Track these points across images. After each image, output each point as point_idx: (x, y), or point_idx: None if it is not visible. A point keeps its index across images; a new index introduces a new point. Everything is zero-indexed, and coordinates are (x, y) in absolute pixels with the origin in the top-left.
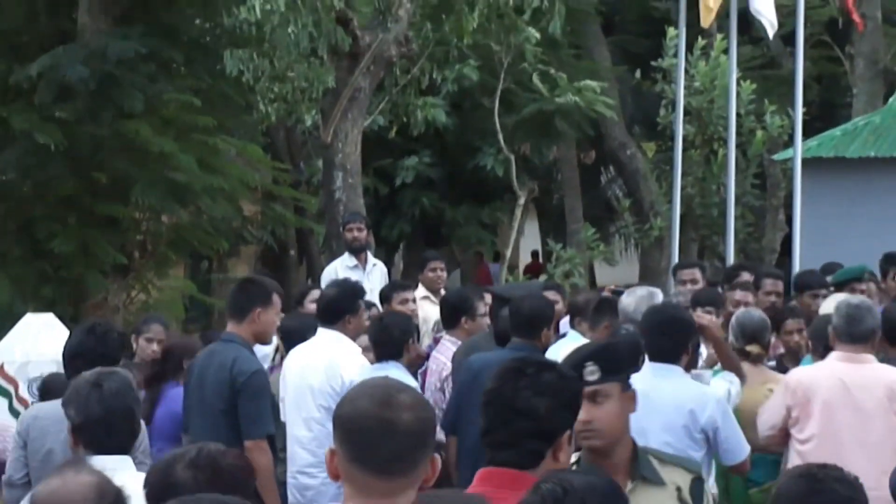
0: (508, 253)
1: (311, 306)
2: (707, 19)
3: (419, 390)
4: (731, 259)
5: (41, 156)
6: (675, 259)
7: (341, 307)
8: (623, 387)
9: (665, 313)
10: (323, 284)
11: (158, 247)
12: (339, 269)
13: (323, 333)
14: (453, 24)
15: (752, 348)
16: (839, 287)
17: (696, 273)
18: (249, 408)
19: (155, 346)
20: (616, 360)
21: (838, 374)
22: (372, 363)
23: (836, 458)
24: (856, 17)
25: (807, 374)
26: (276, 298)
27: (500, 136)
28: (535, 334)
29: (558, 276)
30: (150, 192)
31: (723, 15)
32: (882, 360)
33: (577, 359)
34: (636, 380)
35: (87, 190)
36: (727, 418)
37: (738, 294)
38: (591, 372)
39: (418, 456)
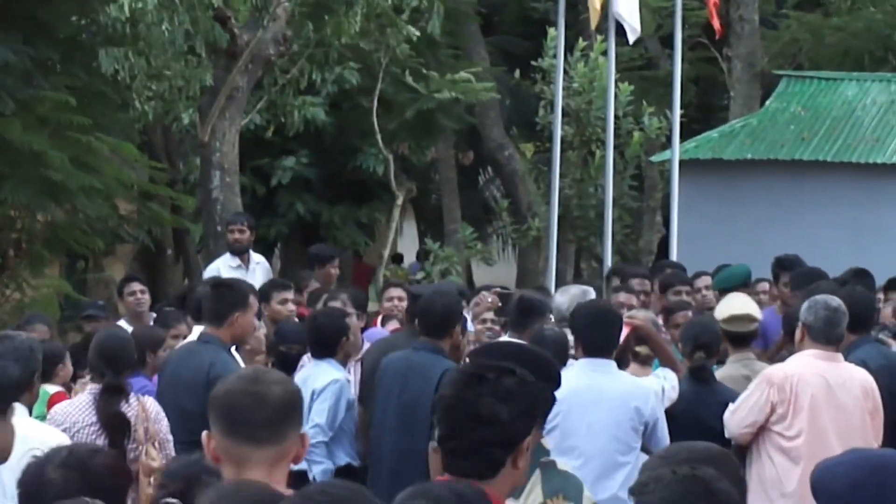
0: (386, 253)
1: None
2: (595, 20)
3: (352, 384)
4: (608, 261)
5: None
6: (553, 260)
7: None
8: None
9: (597, 309)
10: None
11: (33, 245)
12: (222, 268)
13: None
14: (334, 24)
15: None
16: (723, 293)
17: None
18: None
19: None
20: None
21: (821, 371)
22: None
23: (822, 453)
24: (715, 22)
25: (792, 370)
26: (252, 300)
27: (379, 137)
28: (445, 333)
29: (436, 274)
30: (22, 190)
31: (602, 17)
32: (779, 359)
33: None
34: (572, 376)
35: None
36: (662, 410)
37: (622, 297)
38: None
39: (287, 427)
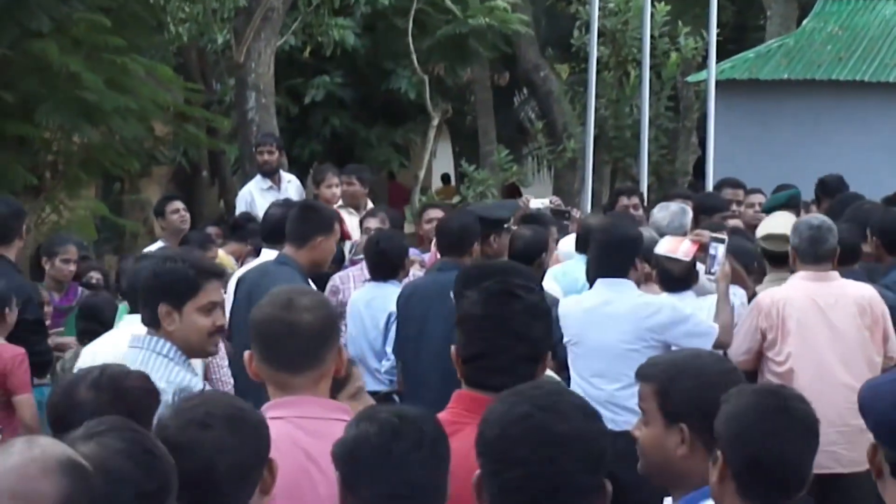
0: (422, 174)
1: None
2: None
3: None
4: (644, 181)
5: None
6: (589, 181)
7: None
8: None
9: (613, 232)
10: (238, 207)
11: (70, 167)
12: (254, 191)
13: (266, 253)
14: None
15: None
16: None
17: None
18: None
19: (72, 267)
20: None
21: (810, 293)
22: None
23: (816, 376)
24: None
25: (779, 295)
26: (337, 227)
27: (414, 58)
28: (464, 251)
29: (471, 197)
30: (59, 112)
31: None
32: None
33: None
34: (591, 295)
35: None
36: (680, 316)
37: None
38: None
39: (321, 352)
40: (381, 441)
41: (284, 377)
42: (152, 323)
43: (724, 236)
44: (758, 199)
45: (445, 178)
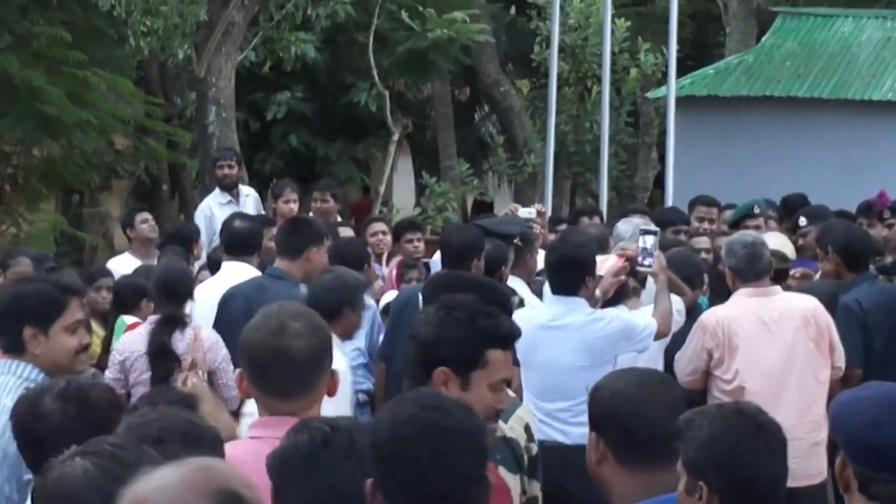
0: (382, 189)
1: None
2: None
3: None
4: (604, 197)
5: None
6: (549, 196)
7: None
8: None
9: (563, 251)
10: (197, 220)
11: (29, 180)
12: (213, 205)
13: (229, 266)
14: None
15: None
16: (734, 226)
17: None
18: None
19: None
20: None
21: (753, 309)
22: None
23: (766, 391)
24: None
25: (723, 313)
26: (326, 239)
27: (375, 73)
28: (465, 266)
29: (431, 209)
30: (19, 125)
31: None
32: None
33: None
34: (543, 311)
35: None
36: (630, 327)
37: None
38: None
39: (313, 378)
40: (311, 449)
41: (274, 402)
42: (14, 348)
43: (655, 228)
44: (721, 215)
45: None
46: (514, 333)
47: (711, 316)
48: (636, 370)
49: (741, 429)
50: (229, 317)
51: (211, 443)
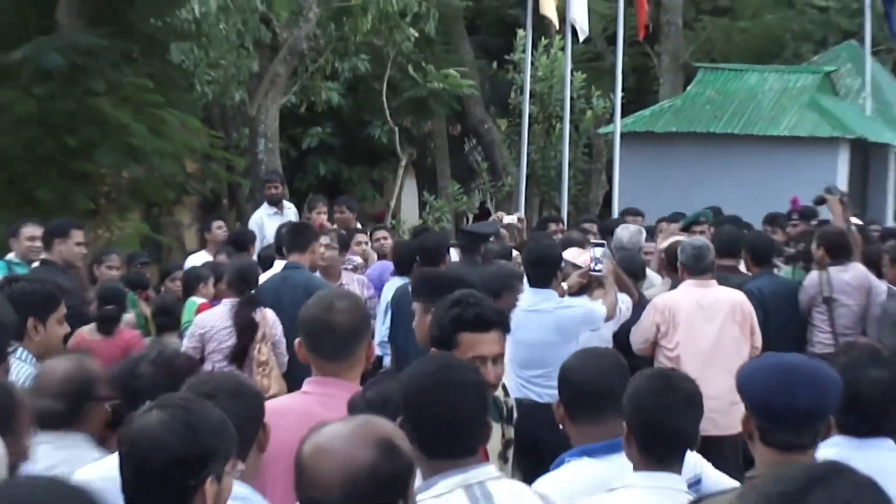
0: (392, 204)
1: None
2: (556, 21)
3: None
4: (564, 210)
5: (21, 124)
6: (522, 209)
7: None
8: (426, 308)
9: (537, 251)
10: (251, 227)
11: (120, 196)
12: (263, 216)
13: (280, 263)
14: (351, 25)
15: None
16: (685, 230)
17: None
18: None
19: (114, 272)
20: (425, 287)
21: (694, 297)
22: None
23: (699, 360)
24: (642, 27)
25: (670, 298)
26: (321, 238)
27: (387, 113)
28: (437, 263)
29: (431, 221)
30: (112, 153)
31: (560, 21)
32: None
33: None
34: (524, 299)
35: (63, 152)
36: (589, 311)
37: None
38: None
39: (354, 346)
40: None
41: (324, 364)
42: (16, 336)
43: (602, 242)
44: (669, 227)
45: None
46: (482, 319)
47: (661, 299)
48: (589, 350)
49: (656, 387)
50: (266, 301)
51: (253, 397)
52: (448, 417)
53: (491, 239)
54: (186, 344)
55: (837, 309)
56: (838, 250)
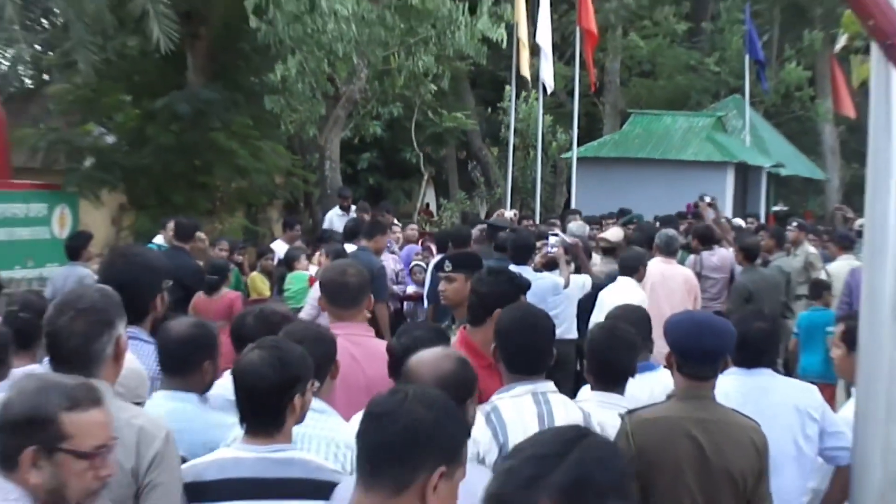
0: (418, 206)
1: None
2: (531, 82)
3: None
4: (537, 210)
5: (162, 150)
6: (508, 210)
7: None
8: (466, 277)
9: (518, 238)
10: (325, 224)
11: (229, 200)
12: (333, 216)
13: (350, 246)
14: (390, 82)
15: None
16: (623, 225)
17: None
18: (377, 284)
19: (223, 253)
20: (463, 262)
21: (660, 270)
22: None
23: (659, 313)
24: (592, 83)
25: (647, 269)
26: (388, 231)
27: (415, 143)
28: (465, 246)
29: (446, 218)
30: (224, 170)
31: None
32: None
33: (441, 260)
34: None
35: (191, 170)
36: (556, 283)
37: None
38: (447, 266)
39: (360, 299)
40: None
41: (341, 311)
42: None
43: (557, 232)
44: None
45: (426, 208)
46: (514, 289)
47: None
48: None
49: (605, 335)
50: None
51: (330, 342)
52: (526, 346)
53: (508, 228)
54: (305, 311)
55: (706, 282)
56: (705, 240)
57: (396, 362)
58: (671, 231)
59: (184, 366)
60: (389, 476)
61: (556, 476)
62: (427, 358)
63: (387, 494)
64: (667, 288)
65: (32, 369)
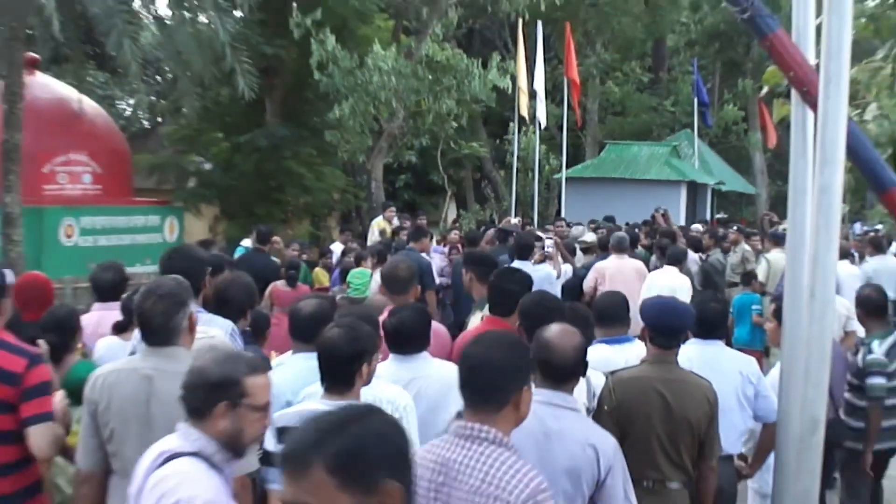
0: (443, 215)
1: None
2: (528, 119)
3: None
4: (535, 219)
5: (246, 175)
6: (513, 218)
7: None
8: (473, 271)
9: (520, 239)
10: (372, 232)
11: (298, 212)
12: (379, 222)
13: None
14: (420, 121)
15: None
16: (595, 230)
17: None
18: (426, 277)
19: (295, 253)
20: (471, 261)
21: (616, 263)
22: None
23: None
24: (578, 119)
25: (603, 264)
26: (429, 238)
27: (440, 168)
28: (476, 245)
29: (465, 225)
30: (293, 189)
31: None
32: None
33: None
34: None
35: (268, 189)
36: (551, 274)
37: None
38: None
39: (410, 287)
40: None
41: (396, 297)
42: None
43: (550, 236)
44: (578, 228)
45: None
46: (530, 285)
47: (599, 264)
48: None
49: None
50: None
51: (377, 319)
52: (544, 318)
53: (514, 232)
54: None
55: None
56: (672, 239)
57: (388, 336)
58: (621, 234)
59: (311, 334)
60: (493, 400)
61: (334, 444)
62: (568, 332)
63: (491, 411)
64: (622, 275)
65: (206, 333)
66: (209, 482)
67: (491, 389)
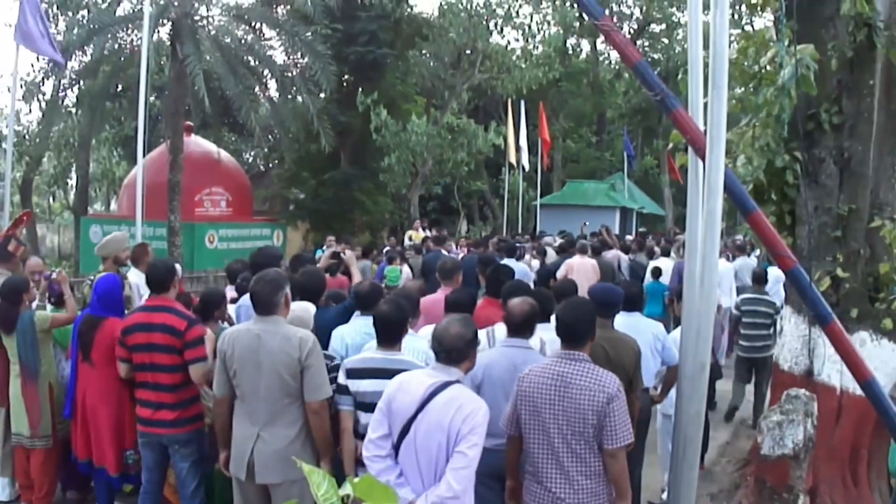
0: (458, 229)
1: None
2: (517, 164)
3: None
4: (519, 230)
5: (336, 201)
6: (505, 230)
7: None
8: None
9: (506, 245)
10: (408, 236)
11: (361, 226)
12: (412, 232)
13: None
14: (444, 167)
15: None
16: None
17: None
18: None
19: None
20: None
21: (577, 262)
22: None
23: (581, 285)
24: (546, 162)
25: (569, 260)
26: (448, 241)
27: (456, 196)
28: (480, 248)
29: (472, 236)
30: (359, 211)
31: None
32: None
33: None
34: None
35: (342, 211)
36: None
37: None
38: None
39: (454, 275)
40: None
41: (442, 281)
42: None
43: (529, 243)
44: (547, 240)
45: (465, 232)
46: (512, 275)
47: (569, 260)
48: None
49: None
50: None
51: (417, 301)
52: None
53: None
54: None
55: (604, 268)
56: (602, 247)
57: (449, 305)
58: (584, 241)
59: (371, 301)
60: (578, 340)
61: None
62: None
63: (579, 346)
64: (583, 268)
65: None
66: (478, 397)
67: (583, 333)
